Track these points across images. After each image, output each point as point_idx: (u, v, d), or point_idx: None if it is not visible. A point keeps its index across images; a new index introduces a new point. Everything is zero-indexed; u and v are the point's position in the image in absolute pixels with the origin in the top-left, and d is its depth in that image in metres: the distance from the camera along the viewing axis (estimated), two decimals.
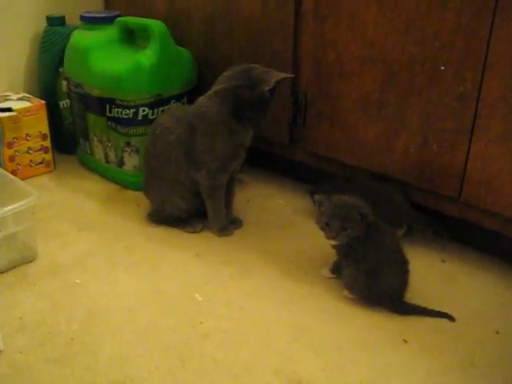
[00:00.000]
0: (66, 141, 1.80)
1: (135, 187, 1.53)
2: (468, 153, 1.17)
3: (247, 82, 1.28)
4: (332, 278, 1.21)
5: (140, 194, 1.46)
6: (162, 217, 1.40)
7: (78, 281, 1.20)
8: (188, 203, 1.37)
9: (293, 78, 1.40)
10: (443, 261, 1.29)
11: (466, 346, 1.04)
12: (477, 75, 1.11)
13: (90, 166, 1.70)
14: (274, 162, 1.62)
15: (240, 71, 1.30)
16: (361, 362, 1.00)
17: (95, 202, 1.53)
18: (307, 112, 1.43)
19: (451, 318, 1.11)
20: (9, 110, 1.57)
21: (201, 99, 1.34)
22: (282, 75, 1.28)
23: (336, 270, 1.20)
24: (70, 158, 1.78)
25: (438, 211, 1.29)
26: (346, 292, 1.16)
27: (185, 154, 1.31)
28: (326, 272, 1.22)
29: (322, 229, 1.12)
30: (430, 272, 1.26)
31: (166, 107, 1.51)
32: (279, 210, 1.48)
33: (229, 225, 1.38)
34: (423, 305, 1.12)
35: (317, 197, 1.14)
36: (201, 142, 1.30)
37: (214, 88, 1.32)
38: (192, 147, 1.31)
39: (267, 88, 1.26)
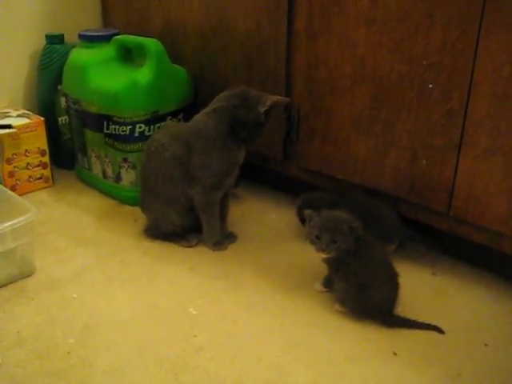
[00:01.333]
0: (65, 156, 1.82)
1: (132, 202, 1.55)
2: (456, 168, 1.20)
3: (244, 102, 1.31)
4: (324, 292, 1.23)
5: (137, 209, 1.49)
6: (157, 232, 1.42)
7: (74, 295, 1.22)
8: (183, 219, 1.39)
9: (286, 95, 1.43)
10: (433, 274, 1.32)
11: (455, 358, 1.06)
12: (463, 93, 1.14)
13: (88, 182, 1.73)
14: (267, 176, 1.65)
15: (238, 92, 1.33)
16: (351, 375, 1.02)
17: (93, 217, 1.56)
18: (300, 128, 1.45)
19: (440, 331, 1.13)
20: (8, 126, 1.60)
21: (197, 117, 1.37)
22: (278, 98, 1.32)
23: (328, 283, 1.22)
24: (68, 173, 1.81)
25: (428, 226, 1.31)
26: (337, 306, 1.18)
27: (180, 170, 1.34)
28: (317, 286, 1.24)
29: (312, 242, 1.14)
30: (421, 285, 1.28)
31: (162, 124, 1.53)
32: (273, 225, 1.51)
33: (223, 239, 1.41)
34: (413, 318, 1.14)
35: (307, 212, 1.16)
36: (196, 159, 1.32)
37: (212, 106, 1.35)
38: (188, 164, 1.33)
39: (263, 109, 1.30)
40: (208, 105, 1.37)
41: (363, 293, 1.14)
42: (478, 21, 1.08)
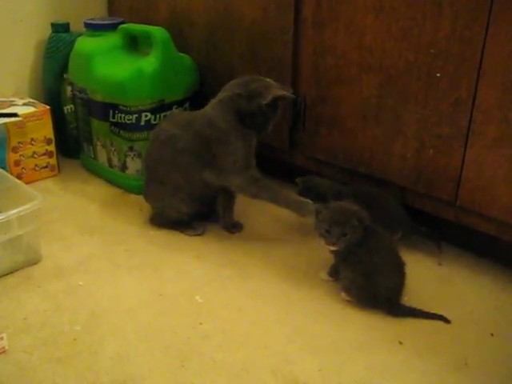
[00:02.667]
0: (70, 145, 1.82)
1: (138, 191, 1.55)
2: (464, 158, 1.19)
3: (246, 92, 1.30)
4: (330, 281, 1.23)
5: (142, 198, 1.48)
6: (163, 220, 1.43)
7: (80, 283, 1.23)
8: (189, 207, 1.39)
9: (293, 84, 1.42)
10: (440, 264, 1.31)
11: (461, 348, 1.06)
12: (471, 82, 1.13)
13: (94, 170, 1.73)
14: (274, 166, 1.64)
15: (243, 82, 1.33)
16: (357, 363, 1.02)
17: (98, 205, 1.56)
18: (306, 117, 1.45)
19: (446, 320, 1.12)
20: (14, 115, 1.60)
21: (206, 108, 1.36)
22: (281, 93, 1.30)
23: (333, 273, 1.22)
24: (73, 162, 1.81)
25: (434, 216, 1.31)
26: (343, 294, 1.18)
27: (196, 160, 1.32)
28: (323, 275, 1.24)
29: (321, 235, 1.14)
30: (427, 275, 1.27)
31: (168, 112, 1.53)
32: (278, 214, 1.50)
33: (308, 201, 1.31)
34: (419, 307, 1.14)
35: (315, 206, 1.17)
36: (218, 150, 1.31)
37: (219, 96, 1.35)
38: (205, 154, 1.32)
39: (263, 102, 1.28)
40: (216, 94, 1.36)
41: (370, 282, 1.13)
42: (488, 9, 1.07)
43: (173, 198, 1.38)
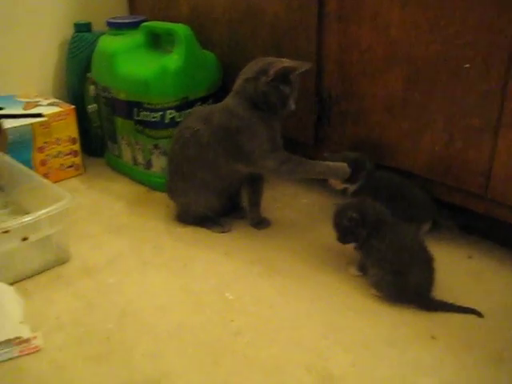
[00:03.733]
0: (94, 144, 1.84)
1: (163, 188, 1.55)
2: (494, 150, 1.18)
3: (252, 74, 1.29)
4: (359, 276, 1.22)
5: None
6: (189, 217, 1.43)
7: (110, 281, 1.24)
8: (215, 202, 1.39)
9: (317, 79, 1.42)
10: (470, 257, 1.30)
11: (495, 342, 1.05)
12: (501, 72, 1.12)
13: (118, 169, 1.74)
14: None
15: (251, 64, 1.32)
16: (390, 358, 1.02)
17: (124, 203, 1.57)
18: (332, 111, 1.44)
19: (479, 314, 1.11)
20: (39, 115, 1.61)
21: (225, 100, 1.37)
22: (283, 65, 1.26)
23: (362, 267, 1.22)
24: (97, 160, 1.82)
25: (463, 207, 1.30)
26: (373, 290, 1.17)
27: (223, 153, 1.32)
28: (352, 270, 1.24)
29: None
30: (457, 268, 1.26)
31: (192, 109, 1.53)
32: (305, 209, 1.50)
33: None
34: (450, 301, 1.13)
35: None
36: (241, 138, 1.30)
37: (234, 86, 1.35)
38: (230, 145, 1.31)
39: (268, 79, 1.26)
40: None
41: (399, 278, 1.13)
42: None
43: (198, 193, 1.38)
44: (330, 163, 1.32)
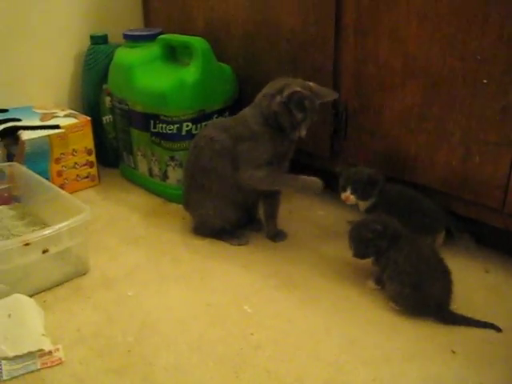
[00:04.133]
0: (109, 155, 1.85)
1: (179, 200, 1.56)
2: (511, 164, 1.18)
3: (271, 90, 1.31)
4: (377, 290, 1.23)
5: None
6: (206, 229, 1.44)
7: (129, 293, 1.24)
8: (232, 213, 1.40)
9: (334, 91, 1.43)
10: (487, 271, 1.30)
11: None
12: None
13: (134, 180, 1.75)
14: (315, 174, 1.64)
15: (274, 82, 1.34)
16: (410, 373, 1.02)
17: (140, 215, 1.58)
18: (348, 124, 1.45)
19: (498, 329, 1.11)
20: (56, 127, 1.63)
21: (244, 110, 1.38)
22: (296, 89, 1.26)
23: (380, 281, 1.22)
24: (112, 171, 1.83)
25: (478, 220, 1.30)
26: (391, 303, 1.18)
27: (229, 161, 1.34)
28: (370, 284, 1.24)
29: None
30: (474, 282, 1.26)
31: (209, 122, 1.54)
32: (321, 222, 1.51)
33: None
34: (468, 315, 1.14)
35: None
36: (243, 146, 1.32)
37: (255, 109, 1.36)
38: (235, 154, 1.33)
39: (281, 100, 1.27)
40: None
41: (418, 291, 1.13)
42: None
43: (214, 206, 1.39)
44: (303, 177, 1.33)
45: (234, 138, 1.33)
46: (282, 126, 1.31)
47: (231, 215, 1.41)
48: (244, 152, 1.33)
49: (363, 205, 1.38)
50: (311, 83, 1.32)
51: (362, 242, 1.20)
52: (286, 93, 1.27)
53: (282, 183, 1.37)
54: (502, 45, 1.13)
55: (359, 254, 1.22)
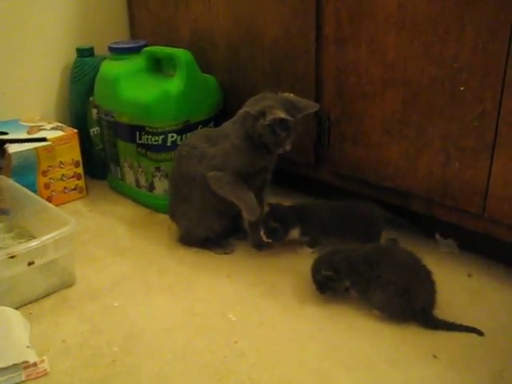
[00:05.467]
0: (96, 167, 1.86)
1: (166, 210, 1.56)
2: (490, 170, 1.20)
3: (253, 111, 1.30)
4: (360, 298, 1.24)
5: None
6: (191, 239, 1.45)
7: (115, 304, 1.25)
8: (216, 223, 1.42)
9: (316, 101, 1.44)
10: (469, 276, 1.32)
11: (496, 360, 1.06)
12: (496, 94, 1.14)
13: (121, 191, 1.76)
14: (299, 182, 1.66)
15: (256, 99, 1.34)
16: (393, 378, 1.03)
17: (127, 226, 1.59)
18: (331, 132, 1.47)
19: (480, 333, 1.13)
20: (43, 139, 1.64)
21: (225, 125, 1.40)
22: (280, 116, 1.25)
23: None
24: (100, 183, 1.85)
25: (460, 226, 1.32)
26: (375, 311, 1.19)
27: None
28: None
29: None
30: (457, 287, 1.28)
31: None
32: None
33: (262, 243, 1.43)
34: (451, 320, 1.15)
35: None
36: (221, 148, 1.34)
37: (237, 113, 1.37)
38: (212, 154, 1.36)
39: (264, 123, 1.27)
40: None
41: (405, 298, 1.15)
42: (510, 21, 1.08)
43: (197, 215, 1.40)
44: (251, 201, 1.34)
45: (213, 146, 1.36)
46: (267, 144, 1.32)
47: (215, 225, 1.42)
48: (218, 153, 1.34)
49: (295, 234, 1.41)
50: (291, 96, 1.34)
51: (318, 282, 1.23)
52: (268, 118, 1.27)
53: (235, 196, 1.36)
54: (478, 53, 1.14)
55: (320, 290, 1.24)
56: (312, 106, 1.35)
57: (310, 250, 1.40)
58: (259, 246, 1.44)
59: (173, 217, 1.48)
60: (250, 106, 1.34)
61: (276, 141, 1.31)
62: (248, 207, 1.35)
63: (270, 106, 1.28)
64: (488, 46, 1.13)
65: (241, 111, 1.36)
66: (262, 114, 1.28)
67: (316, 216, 1.40)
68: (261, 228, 1.41)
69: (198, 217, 1.40)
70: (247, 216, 1.37)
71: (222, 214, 1.41)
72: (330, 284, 1.21)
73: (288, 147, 1.33)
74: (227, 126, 1.38)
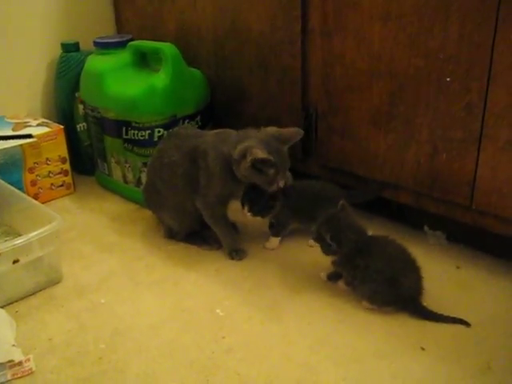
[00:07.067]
0: (84, 163, 1.85)
1: None
2: (477, 161, 1.20)
3: (235, 155, 1.26)
4: (329, 282, 1.26)
5: None
6: (175, 235, 1.45)
7: (102, 301, 1.24)
8: (194, 222, 1.42)
9: (303, 94, 1.44)
10: (458, 267, 1.32)
11: (484, 351, 1.06)
12: (482, 85, 1.14)
13: (109, 187, 1.75)
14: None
15: (236, 140, 1.29)
16: (381, 371, 1.03)
17: (115, 221, 1.58)
18: (318, 125, 1.46)
19: (467, 324, 1.13)
20: (29, 136, 1.62)
21: (211, 140, 1.34)
22: (259, 155, 1.22)
23: (333, 277, 1.26)
24: (88, 179, 1.83)
25: (449, 217, 1.31)
26: (364, 303, 1.19)
27: (190, 185, 1.35)
28: (323, 275, 1.28)
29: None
30: (445, 279, 1.28)
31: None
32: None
33: (239, 248, 1.39)
34: (439, 311, 1.15)
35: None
36: (203, 178, 1.33)
37: (223, 146, 1.31)
38: (196, 179, 1.34)
39: (245, 166, 1.25)
40: (225, 107, 1.37)
41: (394, 286, 1.15)
42: (495, 12, 1.08)
43: (177, 214, 1.41)
44: (229, 237, 1.40)
45: (196, 167, 1.33)
46: (259, 184, 1.29)
47: (191, 223, 1.43)
48: (204, 183, 1.33)
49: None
50: (274, 129, 1.31)
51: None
52: (248, 159, 1.23)
53: (215, 228, 1.39)
54: (464, 43, 1.14)
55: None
56: (296, 134, 1.31)
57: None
58: (230, 254, 1.39)
59: (154, 211, 1.48)
60: (232, 146, 1.29)
61: (266, 180, 1.28)
62: (225, 240, 1.40)
63: (250, 146, 1.24)
64: (474, 36, 1.12)
65: (222, 152, 1.30)
66: (243, 156, 1.25)
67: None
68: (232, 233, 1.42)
69: (176, 217, 1.42)
70: (223, 244, 1.40)
71: (194, 213, 1.40)
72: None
73: (282, 184, 1.30)
74: (210, 147, 1.32)
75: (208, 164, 1.31)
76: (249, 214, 1.34)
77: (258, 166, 1.24)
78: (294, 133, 1.31)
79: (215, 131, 1.39)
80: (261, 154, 1.22)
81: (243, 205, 1.34)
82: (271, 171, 1.26)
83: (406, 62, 1.23)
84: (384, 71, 1.28)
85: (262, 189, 1.31)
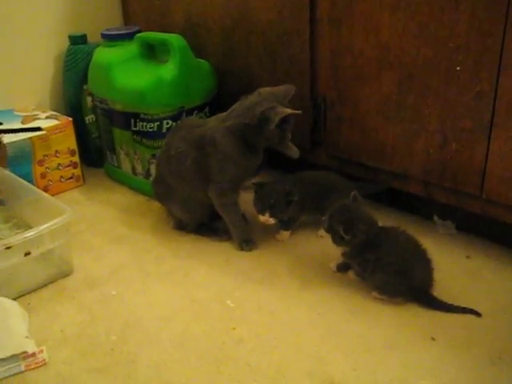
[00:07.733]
0: (93, 155, 1.85)
1: None
2: (487, 150, 1.19)
3: (253, 121, 1.26)
4: (357, 280, 1.24)
5: None
6: (185, 226, 1.45)
7: (113, 292, 1.25)
8: (203, 213, 1.43)
9: (311, 84, 1.43)
10: (468, 257, 1.31)
11: (494, 341, 1.06)
12: (493, 74, 1.13)
13: (118, 179, 1.75)
14: (297, 166, 1.65)
15: (248, 106, 1.29)
16: (391, 361, 1.03)
17: (125, 213, 1.58)
18: (327, 116, 1.45)
19: (477, 314, 1.13)
20: (38, 129, 1.63)
21: (214, 125, 1.34)
22: (287, 111, 1.24)
23: (342, 268, 1.27)
24: (97, 171, 1.84)
25: (459, 207, 1.31)
26: (374, 293, 1.19)
27: (200, 175, 1.35)
28: (332, 265, 1.28)
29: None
30: (455, 268, 1.28)
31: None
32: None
33: (250, 239, 1.40)
34: (449, 301, 1.15)
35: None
36: (215, 165, 1.32)
37: (227, 119, 1.32)
38: (205, 167, 1.33)
39: (272, 127, 1.25)
40: (234, 98, 1.36)
41: (404, 277, 1.14)
42: (506, 0, 1.07)
43: (187, 206, 1.41)
44: (240, 227, 1.40)
45: (205, 155, 1.32)
46: (272, 144, 1.32)
47: (202, 214, 1.43)
48: (215, 171, 1.33)
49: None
50: (267, 89, 1.32)
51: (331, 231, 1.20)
52: (277, 118, 1.23)
53: (226, 218, 1.39)
54: (473, 32, 1.13)
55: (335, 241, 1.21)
56: (290, 89, 1.32)
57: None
58: (241, 244, 1.39)
59: (164, 203, 1.48)
60: (241, 116, 1.28)
61: (283, 135, 1.30)
62: (235, 231, 1.39)
63: (271, 107, 1.25)
64: (484, 24, 1.11)
65: (233, 123, 1.30)
66: (265, 118, 1.25)
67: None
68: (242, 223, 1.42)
69: (187, 208, 1.42)
70: (233, 235, 1.40)
71: (210, 206, 1.40)
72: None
73: (290, 136, 1.33)
74: (215, 131, 1.32)
75: (217, 147, 1.31)
76: (271, 219, 1.34)
77: (283, 124, 1.26)
78: (288, 88, 1.32)
79: (213, 117, 1.39)
80: (287, 110, 1.25)
81: (262, 213, 1.34)
82: (288, 127, 1.29)
83: (415, 51, 1.22)
84: (393, 61, 1.27)
85: (272, 191, 1.34)
